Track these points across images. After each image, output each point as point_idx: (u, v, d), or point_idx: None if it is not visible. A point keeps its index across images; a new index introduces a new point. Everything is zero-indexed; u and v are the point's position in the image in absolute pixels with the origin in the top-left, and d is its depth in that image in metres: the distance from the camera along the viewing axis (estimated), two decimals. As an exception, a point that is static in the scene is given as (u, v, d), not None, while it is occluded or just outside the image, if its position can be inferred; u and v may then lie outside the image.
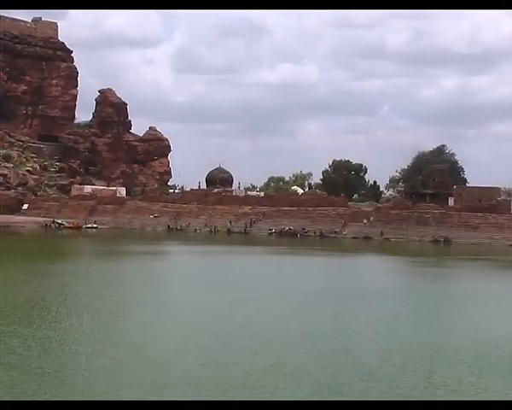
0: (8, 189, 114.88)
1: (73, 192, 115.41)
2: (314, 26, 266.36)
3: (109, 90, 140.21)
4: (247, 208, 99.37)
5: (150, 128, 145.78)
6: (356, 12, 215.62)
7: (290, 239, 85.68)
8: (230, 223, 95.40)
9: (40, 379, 17.31)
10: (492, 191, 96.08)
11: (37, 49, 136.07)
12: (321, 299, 32.98)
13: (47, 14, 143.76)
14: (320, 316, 27.78)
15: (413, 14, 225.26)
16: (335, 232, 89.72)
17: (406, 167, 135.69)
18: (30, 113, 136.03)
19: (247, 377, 18.06)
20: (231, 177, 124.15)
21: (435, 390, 17.32)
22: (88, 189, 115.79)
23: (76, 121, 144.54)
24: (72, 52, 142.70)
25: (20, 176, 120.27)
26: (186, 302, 31.46)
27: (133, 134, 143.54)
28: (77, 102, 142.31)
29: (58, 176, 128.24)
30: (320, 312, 28.92)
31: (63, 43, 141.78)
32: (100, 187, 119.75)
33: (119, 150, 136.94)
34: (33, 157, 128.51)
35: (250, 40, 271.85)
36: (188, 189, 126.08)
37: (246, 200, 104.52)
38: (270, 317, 27.30)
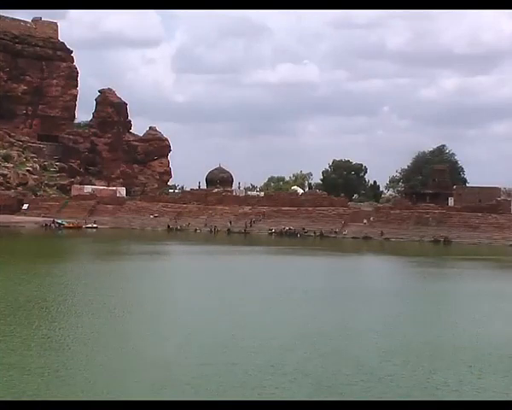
0: (8, 189, 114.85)
1: (73, 192, 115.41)
2: (314, 26, 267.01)
3: (109, 90, 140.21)
4: (247, 208, 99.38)
5: (150, 128, 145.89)
6: (356, 12, 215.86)
7: (290, 239, 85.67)
8: (230, 223, 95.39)
9: (40, 379, 17.32)
10: (492, 191, 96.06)
11: (37, 49, 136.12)
12: (321, 299, 32.98)
13: (47, 14, 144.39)
14: (320, 316, 27.79)
15: (413, 14, 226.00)
16: (335, 232, 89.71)
17: (406, 167, 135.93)
18: (30, 113, 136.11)
19: (247, 377, 18.06)
20: (231, 177, 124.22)
21: (435, 390, 17.33)
22: (88, 189, 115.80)
23: (76, 121, 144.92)
24: (72, 52, 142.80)
25: (20, 176, 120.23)
26: (186, 302, 31.47)
27: (133, 134, 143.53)
28: (77, 102, 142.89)
29: (58, 176, 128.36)
30: (320, 312, 28.93)
31: (63, 43, 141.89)
32: (100, 187, 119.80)
33: (119, 150, 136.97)
34: (33, 157, 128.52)
35: (250, 40, 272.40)
36: (188, 189, 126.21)
37: (246, 200, 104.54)
38: (270, 317, 27.30)
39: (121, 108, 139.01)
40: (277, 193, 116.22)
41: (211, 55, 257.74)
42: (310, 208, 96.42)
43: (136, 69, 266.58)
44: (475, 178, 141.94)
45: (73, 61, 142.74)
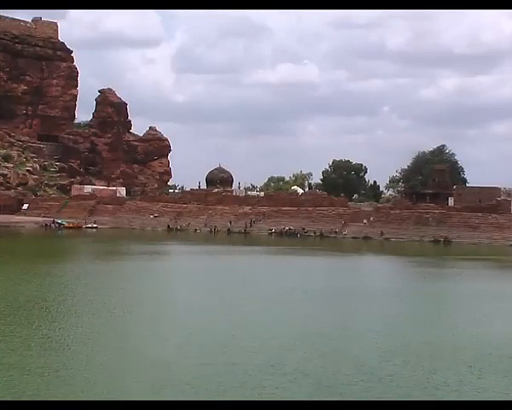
0: (9, 189, 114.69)
1: (73, 192, 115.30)
2: (314, 26, 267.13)
3: (109, 90, 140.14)
4: (247, 208, 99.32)
5: (150, 128, 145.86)
6: (356, 12, 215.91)
7: (290, 239, 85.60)
8: (230, 223, 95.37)
9: (40, 379, 17.31)
10: (492, 191, 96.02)
11: (37, 49, 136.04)
12: (321, 299, 32.97)
13: (47, 14, 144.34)
14: (320, 316, 27.78)
15: (413, 15, 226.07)
16: (335, 232, 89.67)
17: (406, 167, 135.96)
18: (30, 113, 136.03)
19: (246, 377, 18.05)
20: (231, 177, 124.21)
21: (435, 390, 17.33)
22: (88, 189, 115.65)
23: (76, 121, 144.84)
24: (72, 52, 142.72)
25: (20, 176, 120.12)
26: (186, 302, 31.46)
27: (133, 134, 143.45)
28: (77, 102, 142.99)
29: (58, 176, 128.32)
30: (320, 312, 28.93)
31: (63, 43, 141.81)
32: (100, 187, 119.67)
33: (119, 150, 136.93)
34: (33, 157, 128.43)
35: (250, 40, 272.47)
36: (188, 189, 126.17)
37: (246, 200, 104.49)
38: (270, 317, 27.29)
39: (121, 108, 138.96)
40: (277, 193, 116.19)
41: (211, 55, 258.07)
42: (310, 208, 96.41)
43: (136, 69, 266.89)
44: (475, 178, 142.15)
45: (73, 61, 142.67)
